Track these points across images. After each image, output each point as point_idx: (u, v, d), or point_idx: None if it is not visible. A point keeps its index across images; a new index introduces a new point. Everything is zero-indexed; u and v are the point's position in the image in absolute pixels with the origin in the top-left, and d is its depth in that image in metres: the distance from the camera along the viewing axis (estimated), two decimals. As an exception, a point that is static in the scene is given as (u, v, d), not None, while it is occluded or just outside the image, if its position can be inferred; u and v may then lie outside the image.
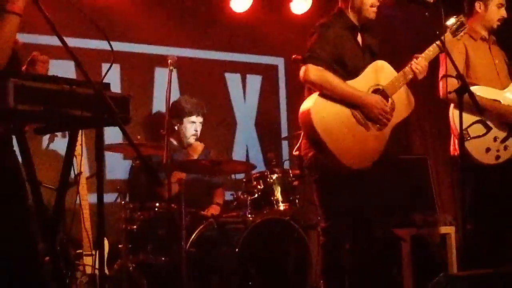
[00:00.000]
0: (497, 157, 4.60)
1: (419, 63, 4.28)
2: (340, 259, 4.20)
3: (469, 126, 4.53)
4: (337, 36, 4.17)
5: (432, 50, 4.33)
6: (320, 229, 4.34)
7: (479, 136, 4.58)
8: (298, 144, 4.36)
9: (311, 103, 4.05)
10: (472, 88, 4.27)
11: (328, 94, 4.05)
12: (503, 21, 4.87)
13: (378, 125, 4.14)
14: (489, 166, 4.61)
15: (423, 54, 4.34)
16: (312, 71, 4.05)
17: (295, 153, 4.54)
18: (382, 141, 4.17)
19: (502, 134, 4.62)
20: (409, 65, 4.29)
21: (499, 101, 4.66)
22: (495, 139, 4.60)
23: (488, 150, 4.60)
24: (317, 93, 4.08)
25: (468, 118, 4.50)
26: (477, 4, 4.85)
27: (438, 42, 4.28)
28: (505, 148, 4.59)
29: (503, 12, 4.86)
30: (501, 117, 4.64)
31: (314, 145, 4.09)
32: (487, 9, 4.83)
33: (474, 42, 4.85)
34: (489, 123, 4.62)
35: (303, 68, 4.10)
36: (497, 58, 4.86)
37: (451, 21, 4.59)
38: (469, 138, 4.50)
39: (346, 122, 4.08)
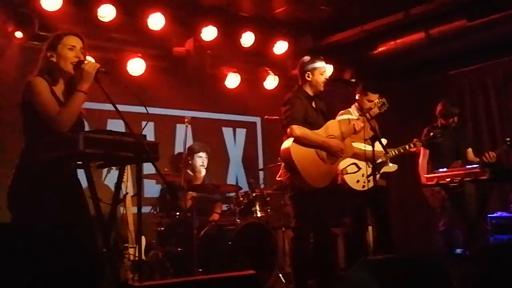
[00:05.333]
0: (363, 186, 4.60)
1: (357, 123, 4.32)
2: (304, 248, 4.17)
3: (347, 166, 4.53)
4: (302, 104, 4.20)
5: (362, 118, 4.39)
6: (292, 228, 4.30)
7: (353, 173, 4.60)
8: (279, 173, 4.36)
9: (289, 143, 4.09)
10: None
11: (306, 142, 4.09)
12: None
13: (330, 162, 4.17)
14: (359, 191, 4.63)
15: (360, 118, 4.40)
16: (296, 129, 4.08)
17: (278, 178, 4.47)
18: (332, 172, 4.23)
19: (367, 172, 4.56)
20: (352, 124, 4.34)
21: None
22: (363, 175, 4.59)
23: (358, 181, 4.60)
24: (292, 139, 4.11)
25: (347, 161, 4.52)
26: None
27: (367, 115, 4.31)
28: (369, 181, 4.56)
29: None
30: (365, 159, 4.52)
31: (291, 171, 4.11)
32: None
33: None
34: (359, 164, 4.61)
35: (290, 128, 4.09)
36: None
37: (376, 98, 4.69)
38: (347, 173, 4.55)
39: (312, 157, 4.12)
